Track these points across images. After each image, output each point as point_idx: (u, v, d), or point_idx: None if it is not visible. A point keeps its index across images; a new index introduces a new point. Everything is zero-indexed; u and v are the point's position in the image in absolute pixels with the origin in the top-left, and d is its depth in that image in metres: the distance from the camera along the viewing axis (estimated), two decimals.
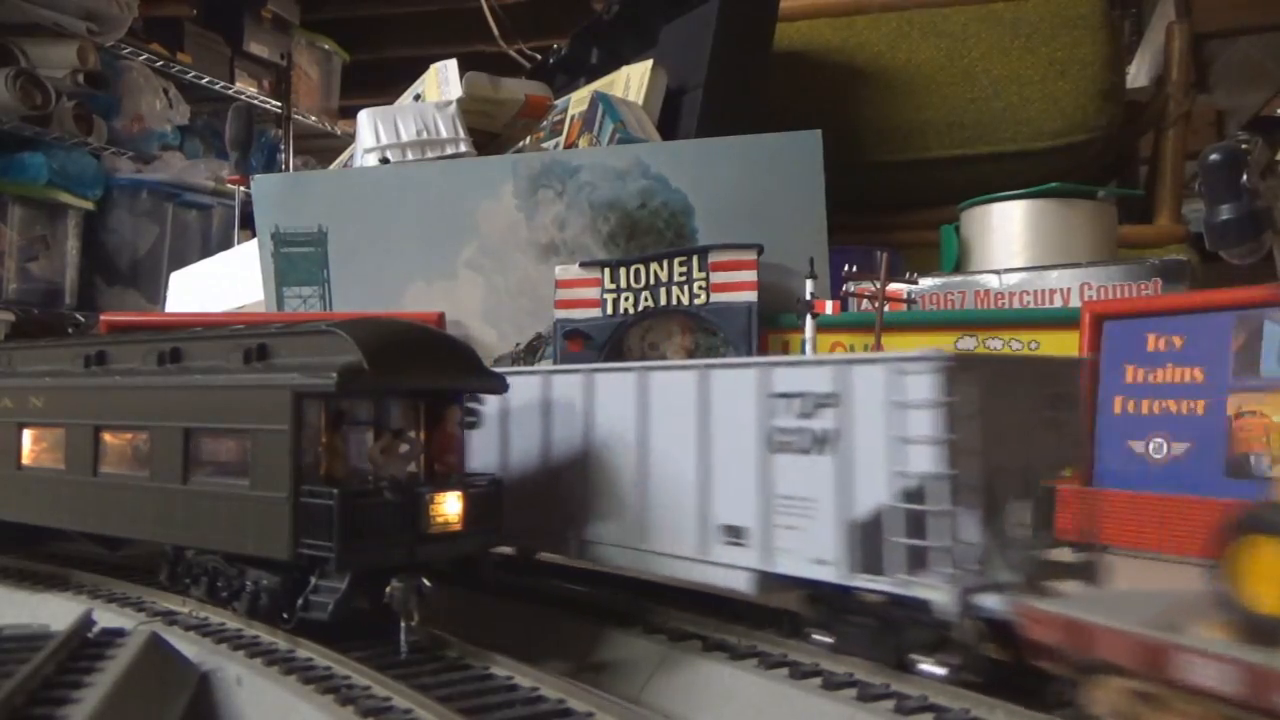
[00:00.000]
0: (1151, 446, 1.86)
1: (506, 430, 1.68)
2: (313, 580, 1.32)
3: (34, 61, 3.89)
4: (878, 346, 2.07)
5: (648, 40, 2.99)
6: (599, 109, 2.66)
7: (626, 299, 2.31)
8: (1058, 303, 2.20)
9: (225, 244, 4.18)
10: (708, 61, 2.69)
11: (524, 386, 1.64)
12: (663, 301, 2.28)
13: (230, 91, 4.95)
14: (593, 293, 2.34)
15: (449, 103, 2.84)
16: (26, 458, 1.80)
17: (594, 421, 1.53)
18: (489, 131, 3.09)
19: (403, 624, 1.28)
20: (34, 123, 3.87)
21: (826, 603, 1.27)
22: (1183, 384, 1.83)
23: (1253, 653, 0.82)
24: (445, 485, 1.37)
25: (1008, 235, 2.54)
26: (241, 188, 3.53)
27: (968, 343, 2.09)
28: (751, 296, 2.21)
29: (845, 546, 1.19)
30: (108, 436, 1.64)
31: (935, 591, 1.10)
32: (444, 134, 2.76)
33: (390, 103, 3.06)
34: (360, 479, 1.35)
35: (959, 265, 2.63)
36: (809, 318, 2.09)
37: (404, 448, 1.42)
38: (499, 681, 1.23)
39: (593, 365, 1.61)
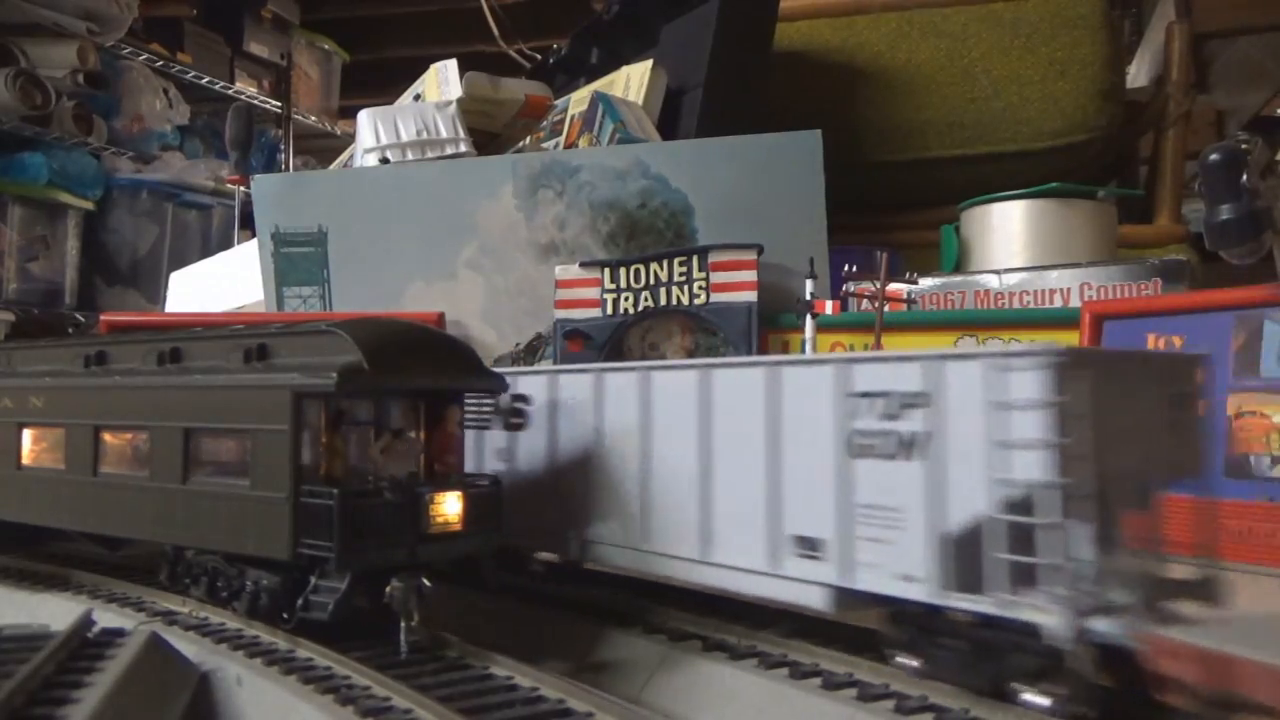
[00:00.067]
0: None
1: (554, 429, 1.60)
2: (313, 580, 1.32)
3: (34, 61, 3.89)
4: (878, 346, 2.07)
5: (648, 40, 2.99)
6: (599, 109, 2.66)
7: (626, 299, 2.31)
8: (1058, 303, 2.20)
9: (225, 244, 4.17)
10: (708, 61, 2.69)
11: (574, 385, 1.57)
12: (663, 301, 2.28)
13: (230, 91, 4.95)
14: (593, 293, 2.34)
15: (449, 103, 2.84)
16: (26, 458, 1.80)
17: (650, 423, 1.44)
18: (489, 131, 3.09)
19: (403, 624, 1.29)
20: (34, 123, 3.86)
21: (912, 623, 1.17)
22: None
23: None
24: (445, 485, 1.38)
25: (1008, 235, 2.54)
26: (241, 188, 3.53)
27: (967, 343, 2.09)
28: (751, 296, 2.21)
29: (938, 562, 1.09)
30: (108, 436, 1.64)
31: (1044, 614, 1.00)
32: (444, 134, 2.76)
33: (390, 103, 3.06)
34: (360, 479, 1.36)
35: (959, 265, 2.63)
36: (809, 318, 2.09)
37: (403, 447, 1.42)
38: (499, 681, 1.23)
39: (649, 363, 1.51)
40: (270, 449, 1.34)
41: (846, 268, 2.12)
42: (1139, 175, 3.32)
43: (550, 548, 1.63)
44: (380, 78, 5.21)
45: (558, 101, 3.07)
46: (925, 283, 2.30)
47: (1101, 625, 0.98)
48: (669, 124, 2.73)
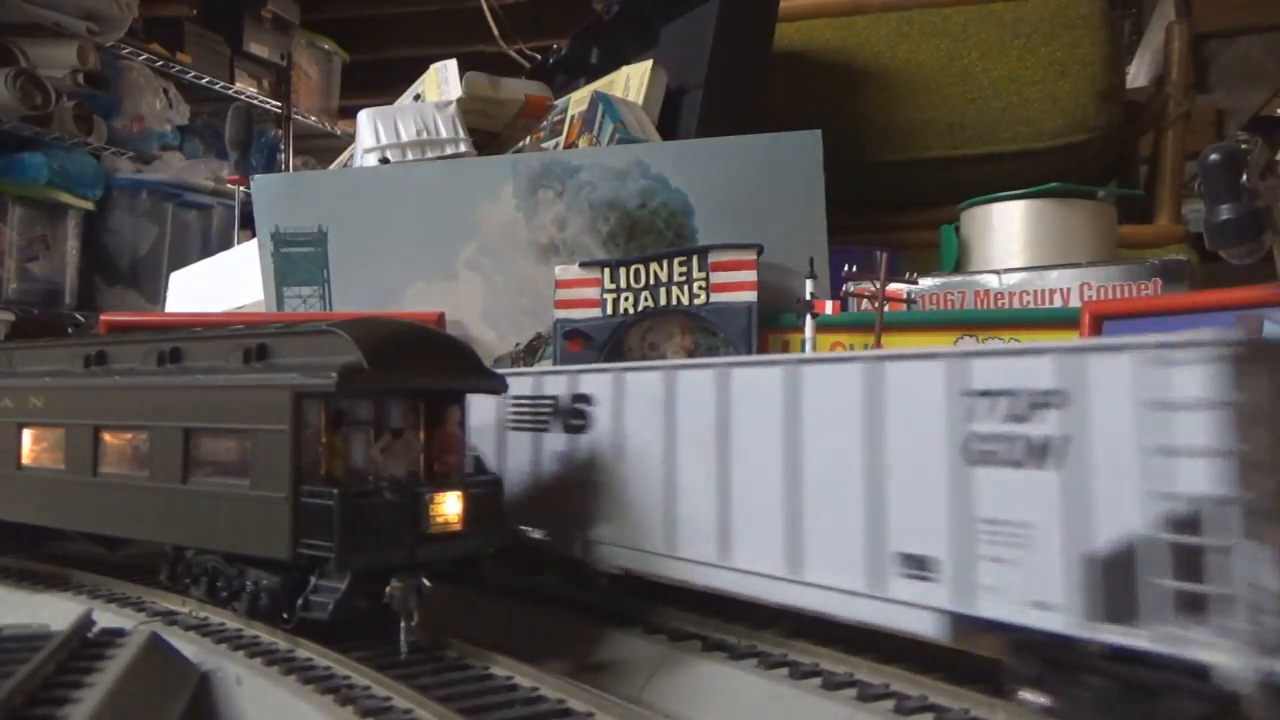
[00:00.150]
0: None
1: (620, 431, 1.51)
2: (313, 580, 1.33)
3: (34, 61, 3.88)
4: (878, 347, 2.07)
5: (648, 40, 2.99)
6: (599, 109, 2.66)
7: (626, 299, 2.31)
8: (1058, 303, 2.20)
9: (225, 244, 4.17)
10: (708, 61, 2.69)
11: (642, 383, 1.47)
12: (663, 301, 2.28)
13: (230, 91, 4.95)
14: (593, 293, 2.34)
15: (449, 103, 2.84)
16: (26, 458, 1.80)
17: (728, 424, 1.33)
18: (489, 131, 3.09)
19: (403, 624, 1.29)
20: (34, 123, 3.86)
21: (1042, 654, 1.03)
22: None
23: None
24: (445, 485, 1.38)
25: (1008, 235, 2.54)
26: (241, 188, 3.52)
27: (967, 343, 2.09)
28: (751, 296, 2.21)
29: (1079, 587, 0.94)
30: (108, 436, 1.64)
31: (1217, 652, 0.85)
32: (444, 134, 2.76)
33: (390, 103, 3.06)
34: (360, 479, 1.36)
35: (959, 265, 2.63)
36: (809, 318, 2.09)
37: (403, 447, 1.42)
38: (499, 681, 1.23)
39: (727, 360, 1.39)
40: (270, 449, 1.34)
41: (846, 268, 2.12)
42: (1139, 175, 3.32)
43: (611, 559, 1.53)
44: (380, 78, 5.22)
45: (558, 101, 3.06)
46: (925, 283, 2.29)
47: None
48: (669, 124, 2.72)
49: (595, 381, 1.57)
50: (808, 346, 2.08)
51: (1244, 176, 1.61)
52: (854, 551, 1.15)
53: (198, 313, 2.89)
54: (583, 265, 2.35)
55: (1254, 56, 4.00)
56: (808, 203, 2.36)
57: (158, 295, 4.18)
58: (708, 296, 2.24)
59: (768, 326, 2.26)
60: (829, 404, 1.19)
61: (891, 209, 3.13)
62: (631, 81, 2.77)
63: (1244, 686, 0.85)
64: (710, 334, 2.28)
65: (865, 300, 2.21)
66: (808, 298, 2.10)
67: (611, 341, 2.31)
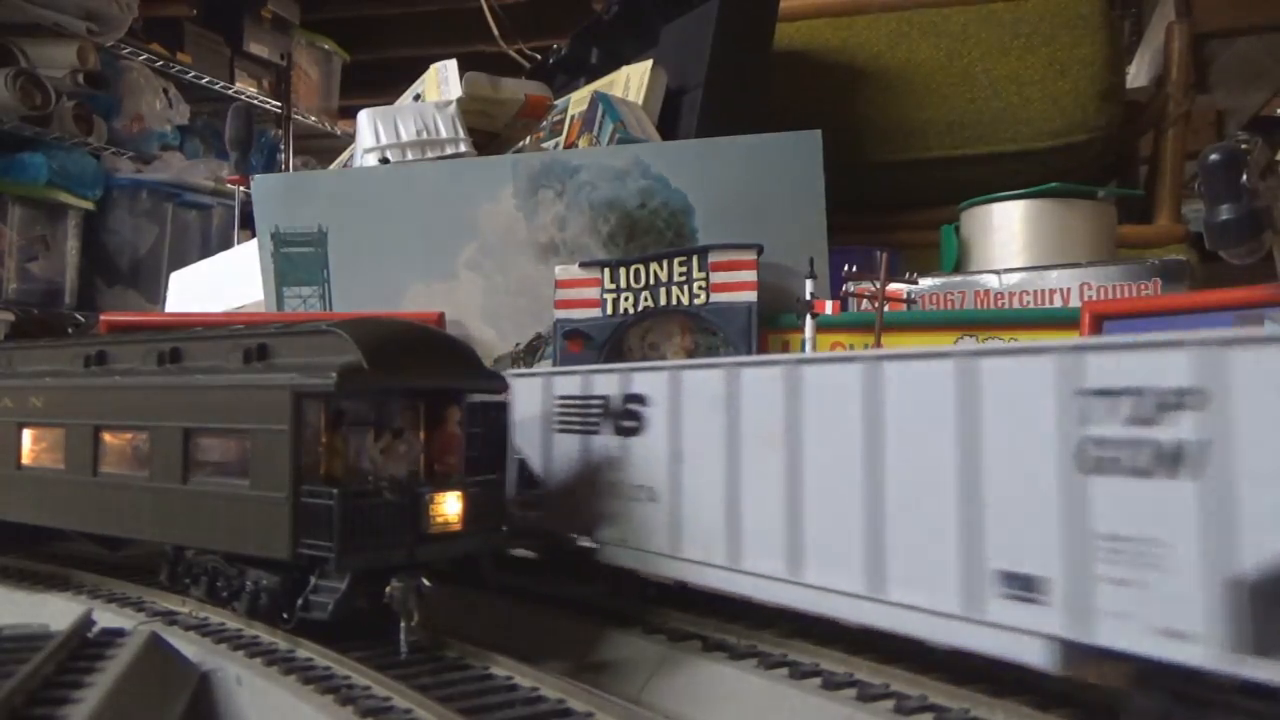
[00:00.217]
0: None
1: (677, 433, 1.42)
2: (313, 580, 1.33)
3: (34, 61, 3.89)
4: (878, 347, 2.07)
5: (648, 40, 2.99)
6: (599, 109, 2.66)
7: (626, 299, 2.31)
8: (1058, 303, 2.20)
9: (225, 244, 4.18)
10: (708, 61, 2.69)
11: (702, 382, 1.38)
12: (663, 301, 2.28)
13: (230, 91, 4.95)
14: (593, 293, 2.34)
15: (449, 103, 2.84)
16: (26, 458, 1.80)
17: (799, 426, 1.23)
18: (489, 131, 3.09)
19: (403, 624, 1.29)
20: (34, 123, 3.86)
21: (1170, 689, 0.92)
22: None
23: None
24: (445, 485, 1.38)
25: (1007, 235, 2.54)
26: (241, 188, 3.52)
27: (967, 343, 2.09)
28: (751, 296, 2.21)
29: (1221, 615, 0.83)
30: (108, 436, 1.64)
31: None
32: (444, 134, 2.76)
33: (390, 103, 3.06)
34: (360, 479, 1.36)
35: (959, 265, 2.63)
36: (809, 318, 2.09)
37: (403, 447, 1.42)
38: (499, 681, 1.23)
39: (797, 356, 1.31)
40: (270, 449, 1.34)
41: (846, 268, 2.12)
42: (1139, 175, 3.32)
43: (666, 570, 1.44)
44: (380, 78, 5.22)
45: (558, 101, 3.06)
46: (925, 283, 2.29)
47: None
48: (669, 124, 2.72)
49: (649, 380, 1.48)
50: (808, 347, 2.08)
51: (1244, 176, 1.61)
52: (946, 569, 1.03)
53: (198, 313, 2.89)
54: (583, 265, 2.35)
55: (1254, 56, 4.00)
56: (808, 203, 2.36)
57: (158, 295, 4.18)
58: (708, 296, 2.24)
59: (768, 326, 2.26)
60: (916, 405, 1.08)
61: (891, 209, 3.13)
62: (631, 81, 2.77)
63: None
64: (710, 334, 2.28)
65: (865, 300, 2.21)
66: (808, 298, 2.10)
67: (611, 341, 2.31)
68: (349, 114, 5.04)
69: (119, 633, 1.35)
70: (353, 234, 2.52)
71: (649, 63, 2.76)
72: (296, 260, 2.54)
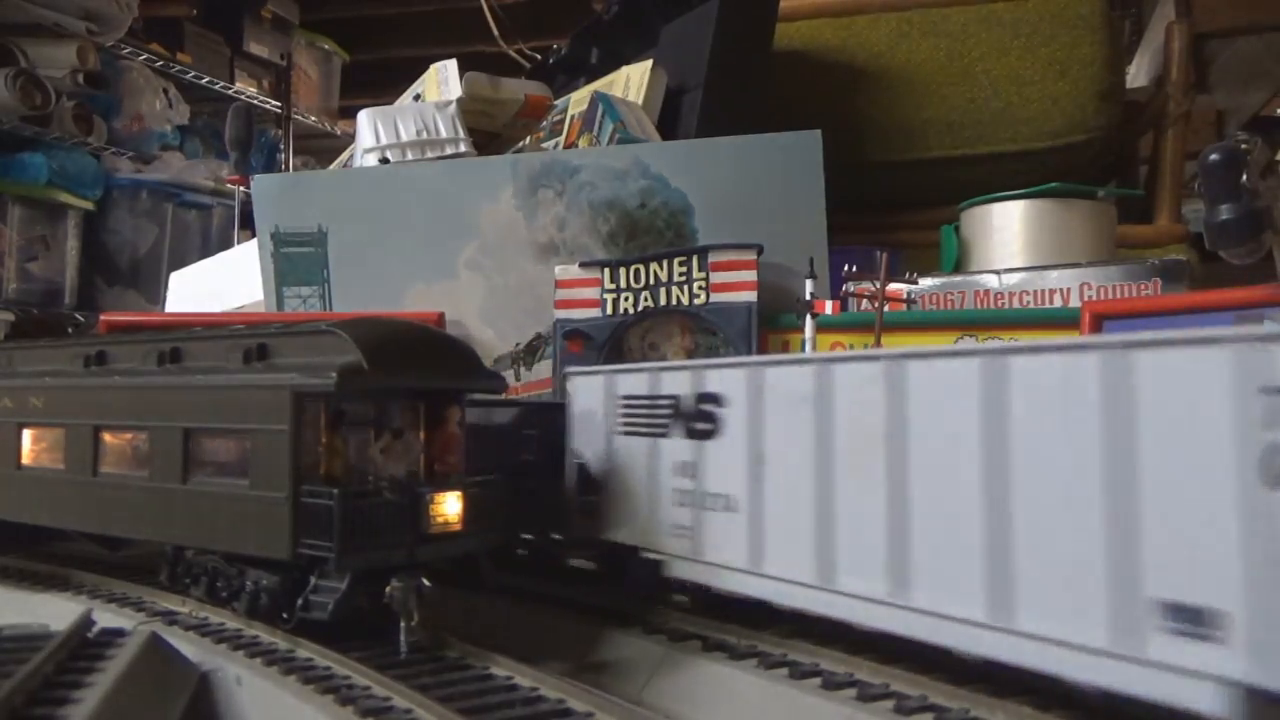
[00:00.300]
0: None
1: (757, 437, 1.30)
2: (313, 580, 1.32)
3: (34, 61, 3.89)
4: (877, 346, 2.07)
5: (648, 40, 2.99)
6: (599, 109, 2.66)
7: (626, 299, 2.31)
8: (1058, 303, 2.20)
9: (225, 244, 4.18)
10: (708, 61, 2.69)
11: (787, 379, 1.26)
12: (663, 301, 2.28)
13: (230, 91, 4.95)
14: (592, 293, 2.34)
15: (449, 103, 2.84)
16: (26, 458, 1.80)
17: (903, 431, 1.10)
18: (489, 131, 3.09)
19: (403, 624, 1.29)
20: (34, 123, 3.87)
21: None
22: None
23: None
24: (445, 485, 1.38)
25: (1007, 235, 2.54)
26: (241, 188, 3.53)
27: (967, 343, 2.09)
28: (751, 296, 2.21)
29: None
30: (108, 436, 1.64)
31: None
32: (444, 134, 2.76)
33: (390, 103, 3.06)
34: (360, 479, 1.36)
35: (959, 265, 2.63)
36: (809, 318, 2.09)
37: (403, 448, 1.42)
38: (499, 681, 1.23)
39: (901, 351, 1.13)
40: (270, 449, 1.34)
41: (846, 268, 2.12)
42: (1139, 175, 3.32)
43: (746, 588, 1.35)
44: (380, 78, 5.22)
45: (558, 101, 3.07)
46: (925, 283, 2.29)
47: None
48: (669, 124, 2.72)
49: (726, 378, 1.37)
50: (808, 347, 2.08)
51: (1244, 176, 1.61)
52: (1091, 596, 0.90)
53: (198, 313, 2.89)
54: (583, 265, 2.35)
55: (1254, 56, 4.00)
56: (808, 203, 2.36)
57: (158, 295, 4.19)
58: (708, 296, 2.24)
59: (768, 326, 2.26)
60: (1049, 406, 0.95)
61: (891, 209, 3.13)
62: (631, 81, 2.77)
63: None
64: (710, 334, 2.28)
65: (865, 300, 2.21)
66: (808, 298, 2.10)
67: (611, 341, 2.31)
68: (349, 114, 5.04)
69: (119, 633, 1.35)
70: (353, 234, 2.52)
71: (649, 63, 2.76)
72: (296, 260, 2.54)
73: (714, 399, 1.38)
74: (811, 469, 1.21)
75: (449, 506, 1.36)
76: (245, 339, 1.44)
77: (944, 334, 2.12)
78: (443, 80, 3.03)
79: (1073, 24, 2.95)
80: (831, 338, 2.17)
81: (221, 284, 3.00)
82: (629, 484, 1.55)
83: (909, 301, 2.16)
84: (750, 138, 2.42)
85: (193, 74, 4.73)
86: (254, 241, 2.67)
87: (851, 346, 2.16)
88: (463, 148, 2.76)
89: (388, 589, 1.28)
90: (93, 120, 4.13)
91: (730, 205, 2.39)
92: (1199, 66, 3.64)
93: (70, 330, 4.05)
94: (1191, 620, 0.84)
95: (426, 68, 3.15)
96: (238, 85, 5.03)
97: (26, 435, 1.80)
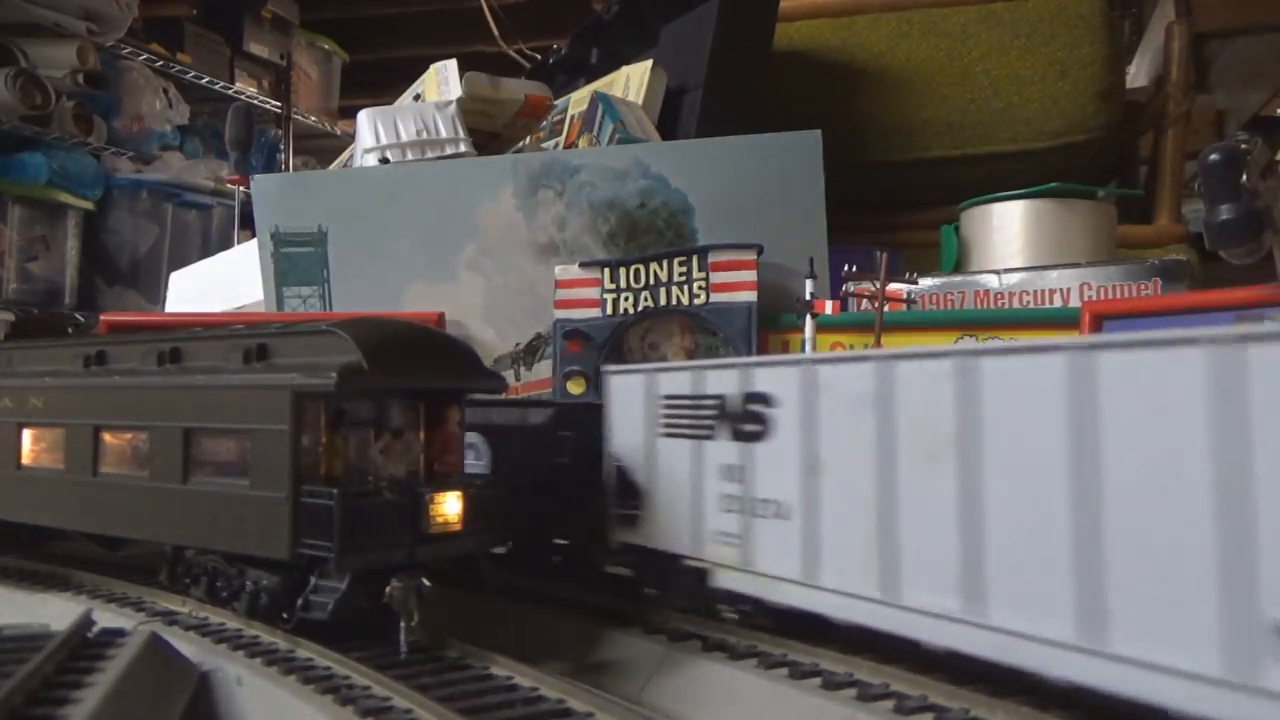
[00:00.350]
0: None
1: (810, 440, 1.23)
2: (313, 580, 1.32)
3: (34, 61, 3.89)
4: (877, 347, 2.07)
5: (648, 40, 2.99)
6: (599, 109, 2.66)
7: (626, 299, 2.31)
8: (1057, 303, 2.20)
9: (225, 244, 4.18)
10: (708, 61, 2.69)
11: (844, 378, 1.19)
12: (663, 301, 2.28)
13: (230, 91, 4.95)
14: (592, 293, 2.34)
15: (449, 103, 2.84)
16: (26, 458, 1.80)
17: (978, 435, 1.02)
18: (489, 131, 3.09)
19: (403, 624, 1.29)
20: (34, 123, 3.87)
21: None
22: None
23: None
24: (445, 485, 1.37)
25: (1007, 235, 2.54)
26: (241, 188, 3.53)
27: (968, 343, 2.09)
28: (751, 296, 2.21)
29: None
30: (108, 436, 1.64)
31: None
32: (444, 134, 2.76)
33: (390, 103, 3.06)
34: (360, 479, 1.36)
35: (959, 265, 2.63)
36: (809, 318, 2.09)
37: (403, 448, 1.42)
38: (499, 681, 1.23)
39: (973, 348, 1.05)
40: (270, 449, 1.34)
41: (846, 268, 2.12)
42: (1139, 175, 3.32)
43: (800, 601, 1.27)
44: (380, 78, 5.22)
45: (558, 101, 3.07)
46: (925, 283, 2.29)
47: None
48: (669, 124, 2.73)
49: (776, 376, 1.30)
50: (807, 347, 2.08)
51: (1244, 176, 1.61)
52: (1198, 617, 0.82)
53: (198, 313, 2.89)
54: (583, 265, 2.35)
55: (1254, 56, 4.00)
56: (808, 203, 2.36)
57: (158, 295, 4.19)
58: (708, 296, 2.24)
59: (768, 326, 2.26)
60: (1144, 407, 0.86)
61: (891, 209, 3.13)
62: (631, 81, 2.77)
63: None
64: (710, 334, 2.28)
65: (865, 300, 2.21)
66: (808, 298, 2.10)
67: (611, 341, 2.31)
68: (349, 114, 5.04)
69: (119, 633, 1.34)
70: (353, 234, 2.52)
71: (649, 63, 2.76)
72: (296, 260, 2.54)
73: (763, 399, 1.31)
74: (873, 474, 1.14)
75: (449, 506, 1.36)
76: (245, 339, 1.44)
77: (944, 334, 2.12)
78: (443, 80, 3.04)
79: (1073, 24, 2.95)
80: (831, 338, 2.18)
81: (221, 284, 3.00)
82: (671, 488, 1.48)
83: (909, 301, 2.16)
84: (750, 138, 2.43)
85: (193, 74, 4.73)
86: (254, 241, 2.67)
87: (851, 346, 2.16)
88: (463, 148, 2.76)
89: (388, 589, 1.28)
90: (93, 120, 4.13)
91: (730, 205, 2.39)
92: (1199, 66, 3.64)
93: (70, 330, 4.06)
94: None
95: (426, 68, 3.15)
96: (238, 85, 5.03)
97: (26, 435, 1.80)
